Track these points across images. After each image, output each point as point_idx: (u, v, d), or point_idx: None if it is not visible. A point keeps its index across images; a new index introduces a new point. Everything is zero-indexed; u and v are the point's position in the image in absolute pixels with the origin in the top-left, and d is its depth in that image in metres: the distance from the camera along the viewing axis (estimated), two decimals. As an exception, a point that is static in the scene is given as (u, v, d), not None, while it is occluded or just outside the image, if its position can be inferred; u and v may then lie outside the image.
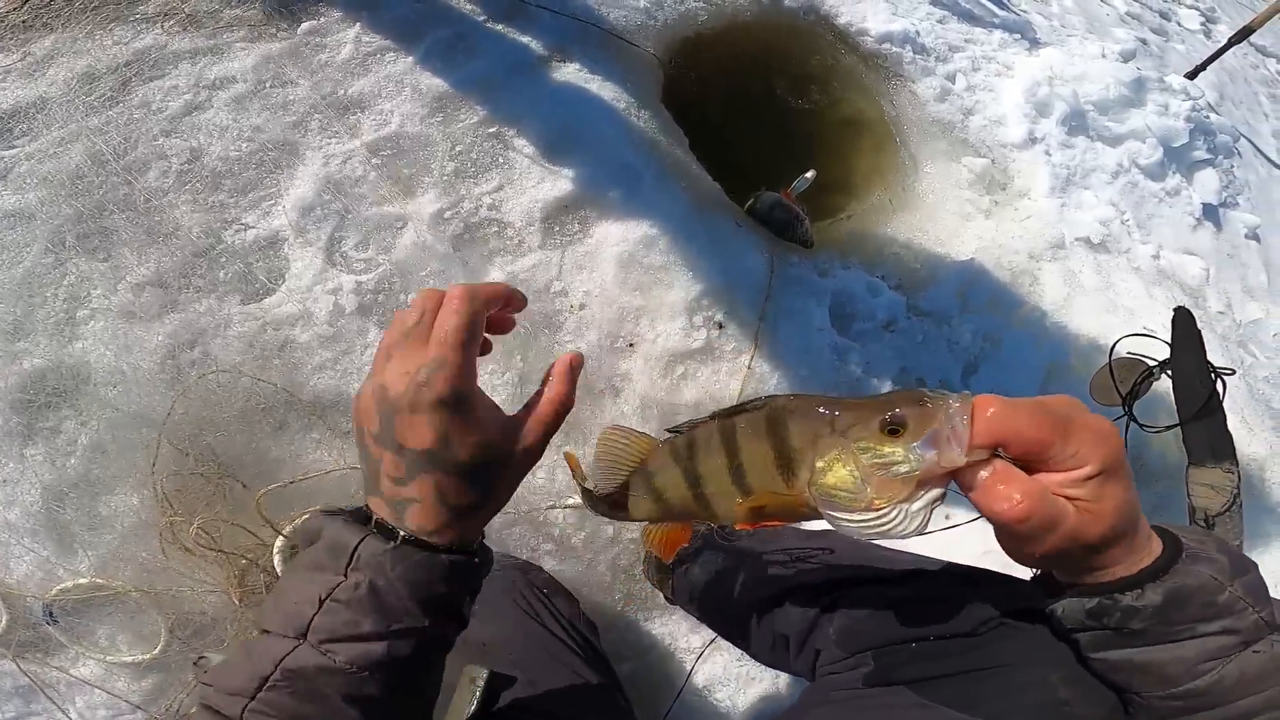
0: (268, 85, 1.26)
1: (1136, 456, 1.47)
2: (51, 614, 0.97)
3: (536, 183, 1.24)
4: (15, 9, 1.34)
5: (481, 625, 0.73)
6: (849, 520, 0.38)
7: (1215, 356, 1.79)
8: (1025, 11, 2.52)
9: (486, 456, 0.43)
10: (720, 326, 1.22)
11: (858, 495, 0.37)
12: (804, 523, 0.45)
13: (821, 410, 0.40)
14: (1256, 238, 2.40)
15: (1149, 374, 1.26)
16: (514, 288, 0.49)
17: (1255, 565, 0.45)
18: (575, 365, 0.48)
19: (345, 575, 0.41)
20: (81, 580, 0.96)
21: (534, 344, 1.15)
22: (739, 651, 1.07)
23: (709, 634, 1.05)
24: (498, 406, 0.46)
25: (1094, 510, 0.39)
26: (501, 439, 0.45)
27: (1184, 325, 1.23)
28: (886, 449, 0.37)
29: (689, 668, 1.06)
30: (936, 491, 0.38)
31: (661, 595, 1.05)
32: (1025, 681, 0.51)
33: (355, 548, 0.42)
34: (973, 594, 0.59)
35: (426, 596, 0.42)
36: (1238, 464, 1.23)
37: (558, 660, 0.75)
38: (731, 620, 0.82)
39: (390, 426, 0.42)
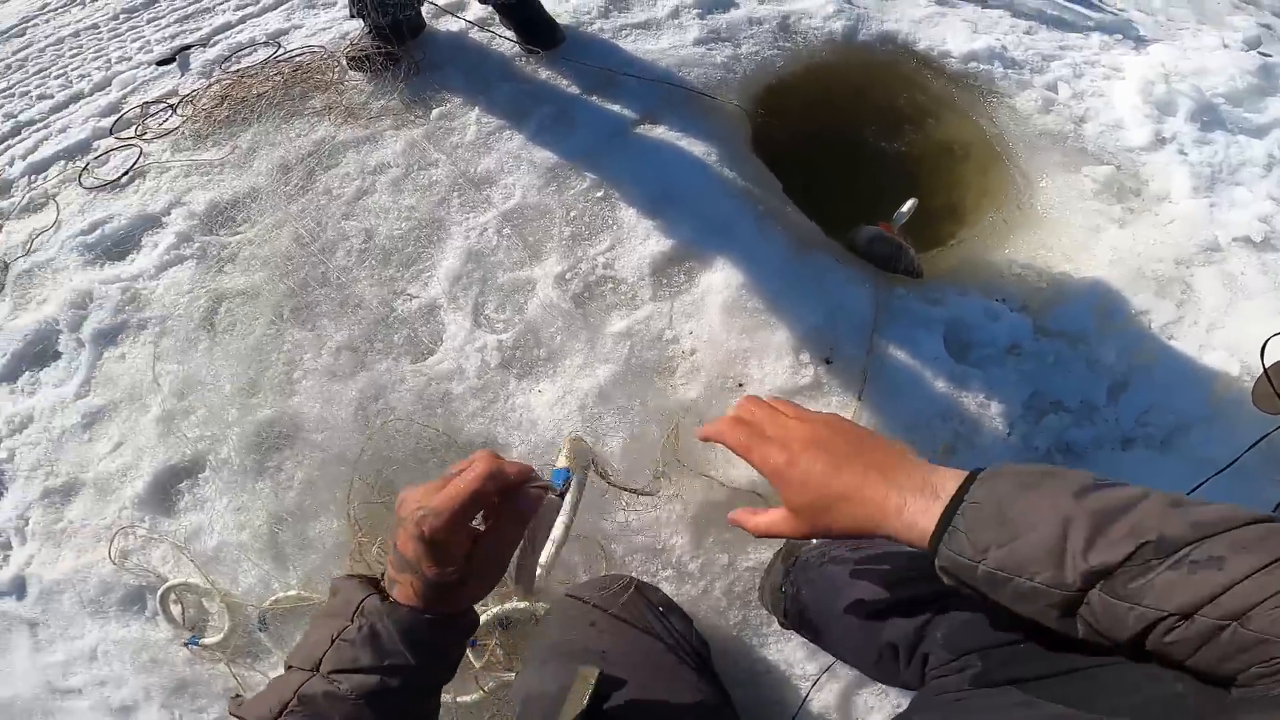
0: (415, 168, 1.53)
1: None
2: (264, 622, 1.18)
3: (643, 240, 1.37)
4: (218, 105, 1.74)
5: (600, 635, 0.82)
6: None
7: None
8: (1122, 10, 2.34)
9: (445, 580, 0.54)
10: (828, 362, 1.24)
11: None
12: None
13: None
14: None
15: (1313, 375, 1.11)
16: (531, 486, 0.56)
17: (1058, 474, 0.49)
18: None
19: (352, 620, 0.55)
20: (291, 592, 1.17)
21: (650, 388, 1.25)
22: (855, 679, 1.06)
23: (825, 660, 1.05)
24: (482, 550, 0.55)
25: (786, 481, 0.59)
26: (467, 575, 0.55)
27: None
28: None
29: (804, 694, 1.06)
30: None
31: (776, 620, 1.07)
32: (1140, 676, 0.50)
33: (361, 601, 0.55)
34: None
35: (414, 640, 0.54)
36: None
37: (672, 671, 0.80)
38: (840, 637, 0.84)
39: (396, 530, 0.55)
